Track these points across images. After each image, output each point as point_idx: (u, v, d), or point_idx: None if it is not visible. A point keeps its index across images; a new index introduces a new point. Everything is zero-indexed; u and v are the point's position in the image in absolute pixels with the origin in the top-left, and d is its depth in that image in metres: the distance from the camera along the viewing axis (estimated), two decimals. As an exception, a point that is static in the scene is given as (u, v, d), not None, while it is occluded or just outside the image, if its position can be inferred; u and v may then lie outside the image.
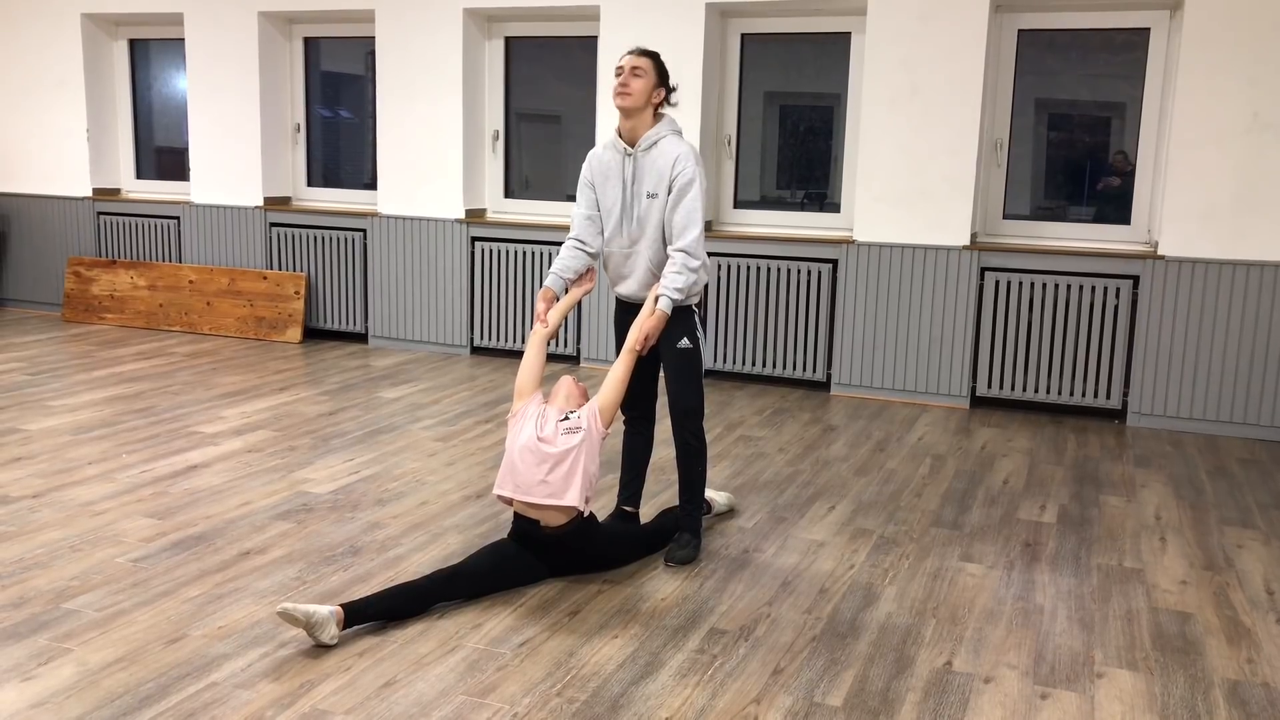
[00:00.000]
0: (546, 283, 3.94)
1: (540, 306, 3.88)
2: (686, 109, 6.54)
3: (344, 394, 6.35)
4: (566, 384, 3.79)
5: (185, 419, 5.68)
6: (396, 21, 7.44)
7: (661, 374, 4.00)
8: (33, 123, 8.73)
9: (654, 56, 3.82)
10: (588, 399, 3.75)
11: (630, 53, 3.81)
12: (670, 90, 3.85)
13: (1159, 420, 6.10)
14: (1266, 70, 5.69)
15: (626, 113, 3.81)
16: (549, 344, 3.93)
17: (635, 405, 4.13)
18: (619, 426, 4.13)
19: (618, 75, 3.80)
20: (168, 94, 8.76)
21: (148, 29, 8.55)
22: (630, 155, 3.84)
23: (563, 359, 7.34)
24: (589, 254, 4.00)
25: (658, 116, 3.85)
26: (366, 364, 7.23)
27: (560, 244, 7.13)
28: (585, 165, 4.00)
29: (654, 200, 3.79)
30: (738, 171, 7.11)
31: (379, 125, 7.62)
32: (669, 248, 3.78)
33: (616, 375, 3.69)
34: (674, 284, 3.71)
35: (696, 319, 3.91)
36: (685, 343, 3.87)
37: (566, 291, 4.02)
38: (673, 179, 3.75)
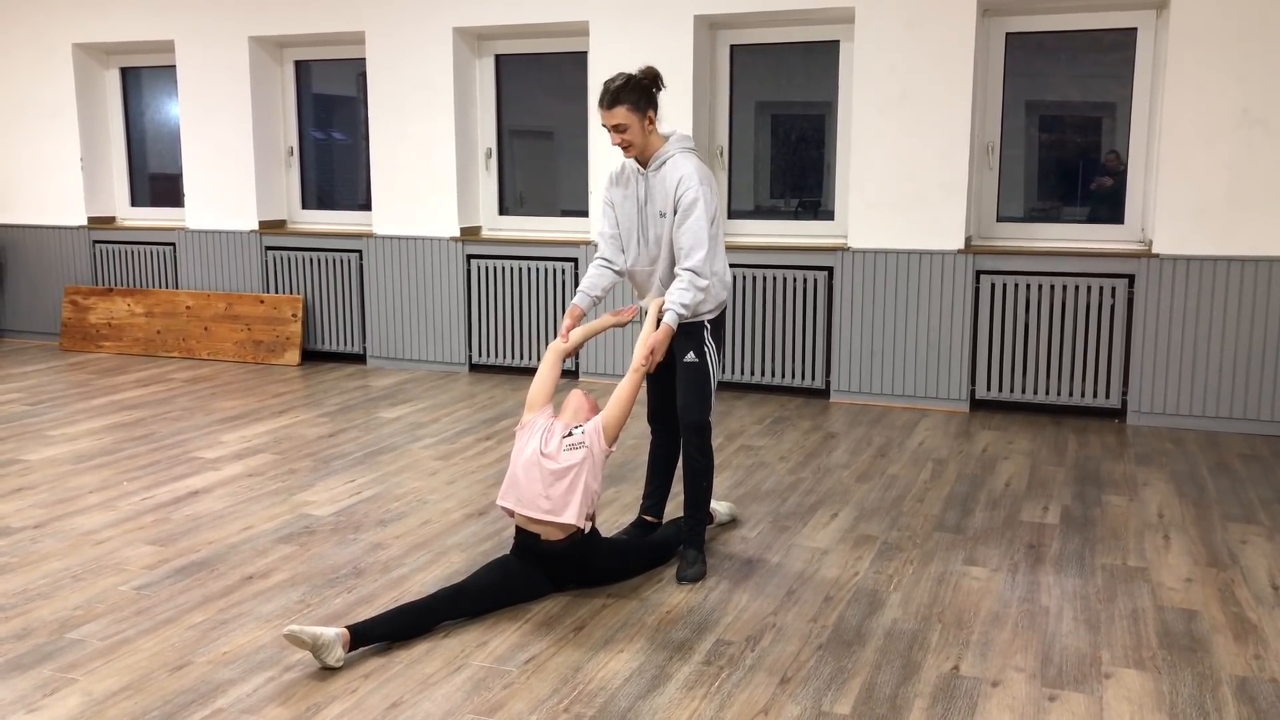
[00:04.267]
0: (575, 300, 3.96)
1: (566, 322, 3.90)
2: (678, 122, 6.56)
3: (343, 415, 6.35)
4: (576, 398, 3.79)
5: (185, 445, 5.68)
6: (387, 42, 7.46)
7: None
8: (26, 153, 8.75)
9: (624, 93, 3.71)
10: (597, 413, 3.74)
11: (601, 108, 3.74)
12: (657, 93, 3.79)
13: (1159, 418, 6.10)
14: (1254, 66, 5.71)
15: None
16: (564, 360, 3.93)
17: (658, 418, 4.17)
18: (646, 436, 4.15)
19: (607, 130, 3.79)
20: (160, 121, 8.78)
21: (139, 57, 8.57)
22: (643, 175, 3.86)
23: (563, 372, 7.32)
24: (615, 271, 4.02)
25: (663, 136, 3.85)
26: (365, 385, 7.23)
27: (558, 260, 7.23)
28: (604, 187, 4.02)
29: (664, 219, 3.82)
30: (731, 182, 7.13)
31: (372, 146, 7.64)
32: (676, 267, 3.79)
33: (622, 394, 3.67)
34: (680, 299, 3.71)
35: (707, 335, 3.90)
36: (692, 356, 3.88)
37: (596, 307, 4.03)
38: (677, 199, 3.76)
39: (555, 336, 3.94)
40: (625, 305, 4.41)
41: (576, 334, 3.92)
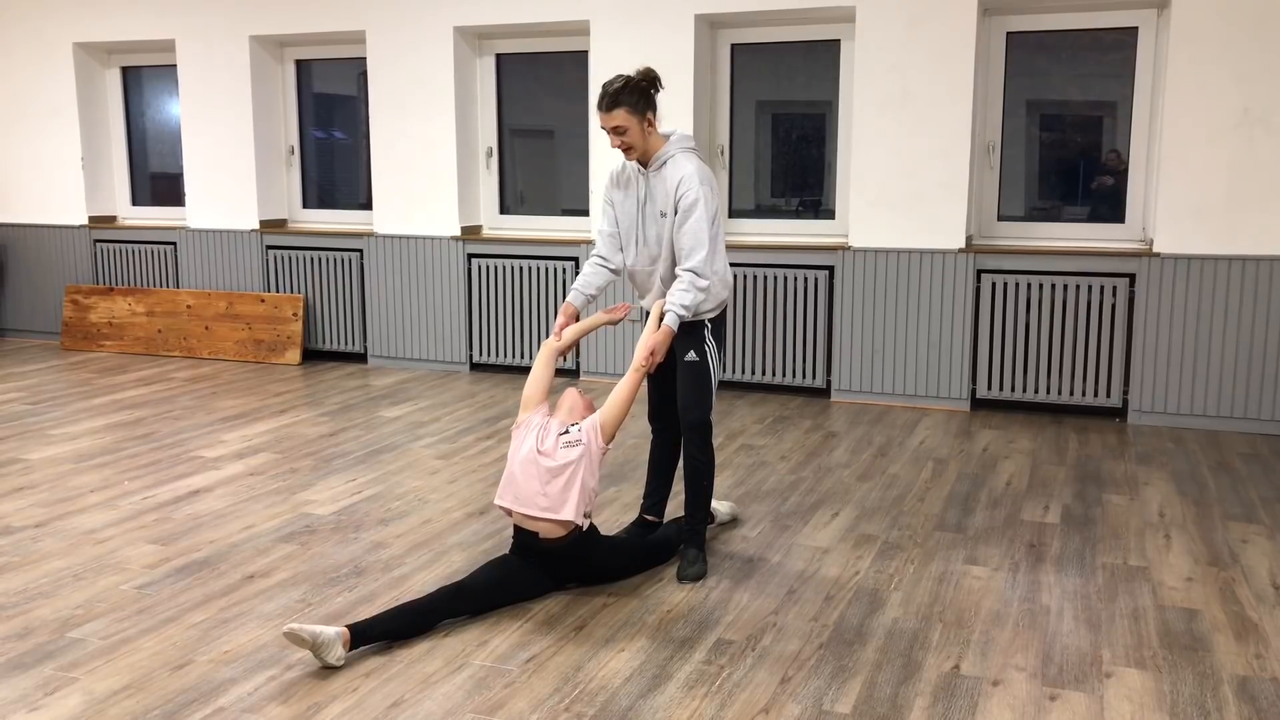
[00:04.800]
0: (568, 298, 3.94)
1: (559, 320, 3.89)
2: (679, 121, 6.55)
3: (344, 414, 6.35)
4: (570, 396, 3.79)
5: (186, 444, 5.68)
6: (387, 41, 7.46)
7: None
8: (27, 152, 8.75)
9: (622, 95, 3.70)
10: (592, 412, 3.75)
11: (600, 111, 3.73)
12: (655, 93, 3.78)
13: (1160, 417, 6.10)
14: (1255, 65, 5.71)
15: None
16: (560, 359, 3.93)
17: (659, 417, 4.17)
18: (647, 435, 4.15)
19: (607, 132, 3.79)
20: (161, 120, 8.78)
21: (140, 56, 8.57)
22: (644, 175, 3.86)
23: (562, 372, 7.33)
24: (611, 270, 4.01)
25: (664, 136, 3.84)
26: (366, 384, 7.23)
27: (559, 259, 7.23)
28: (605, 184, 4.02)
29: (665, 219, 3.81)
30: (732, 181, 7.13)
31: (373, 145, 7.64)
32: (677, 267, 3.79)
33: (621, 393, 3.68)
34: (680, 301, 3.70)
35: (708, 334, 3.91)
36: (692, 355, 3.88)
37: (590, 305, 4.02)
38: (677, 199, 3.76)
39: (555, 335, 3.93)
40: (618, 303, 4.42)
41: (570, 332, 3.91)
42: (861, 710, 2.96)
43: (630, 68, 3.84)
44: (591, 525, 3.71)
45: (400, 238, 7.64)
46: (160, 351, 8.28)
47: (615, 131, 3.74)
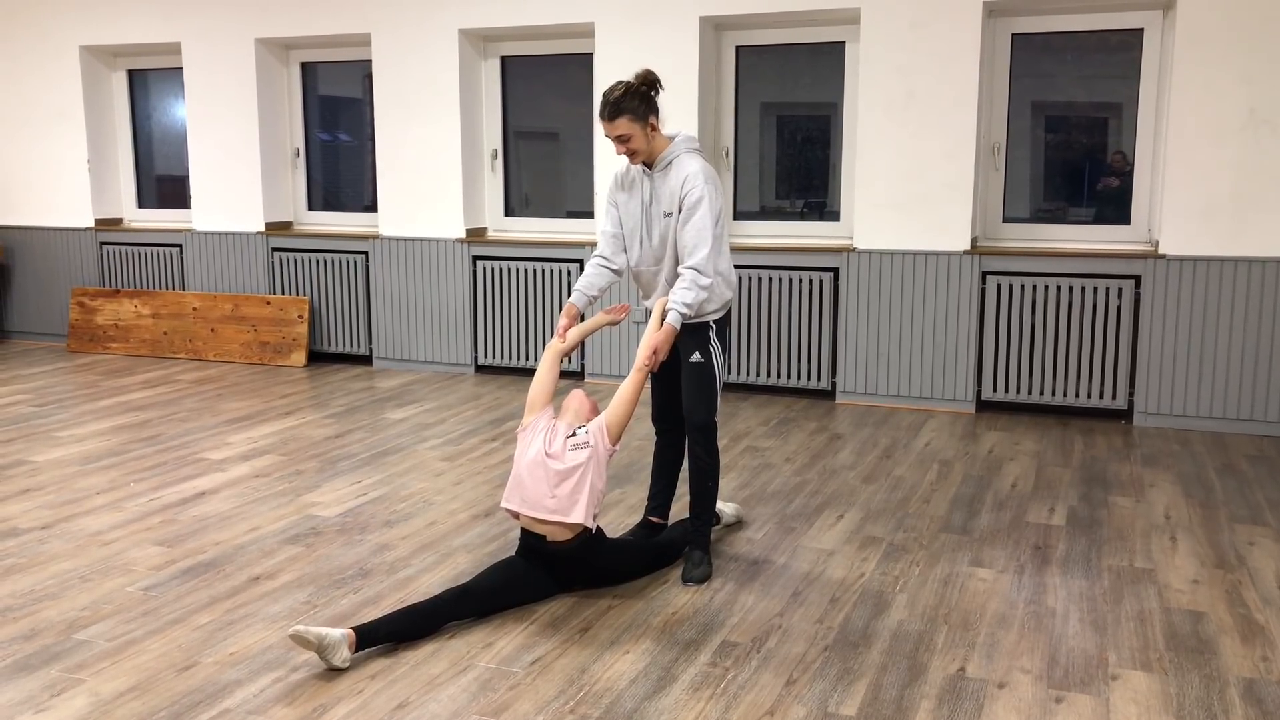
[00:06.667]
0: (571, 299, 3.95)
1: (562, 322, 3.90)
2: (683, 122, 6.56)
3: (349, 416, 6.36)
4: (577, 399, 3.79)
5: (192, 446, 5.69)
6: (392, 44, 7.47)
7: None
8: (33, 155, 8.77)
9: (624, 102, 3.70)
10: (598, 414, 3.75)
11: (602, 120, 3.74)
12: (656, 96, 3.79)
13: (1165, 419, 6.09)
14: (1261, 66, 5.70)
15: None
16: (564, 360, 3.94)
17: (664, 418, 4.17)
18: (651, 437, 4.16)
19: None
20: (167, 123, 8.80)
21: (146, 59, 8.59)
22: (648, 176, 3.87)
23: (568, 374, 7.33)
24: (613, 271, 4.02)
25: (669, 137, 3.85)
26: (371, 386, 7.24)
27: (564, 261, 7.24)
28: (609, 185, 4.02)
29: (670, 219, 3.82)
30: (736, 183, 7.13)
31: (378, 147, 7.65)
32: (680, 266, 3.79)
33: (626, 394, 3.68)
34: (683, 299, 3.71)
35: (713, 334, 3.91)
36: (697, 356, 3.89)
37: (592, 306, 4.03)
38: (682, 198, 3.77)
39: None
40: (618, 303, 4.42)
41: (573, 333, 3.92)
42: (867, 713, 2.96)
43: (635, 70, 3.84)
44: (598, 528, 3.72)
45: (405, 240, 7.65)
46: (166, 354, 8.30)
47: (619, 140, 3.75)
